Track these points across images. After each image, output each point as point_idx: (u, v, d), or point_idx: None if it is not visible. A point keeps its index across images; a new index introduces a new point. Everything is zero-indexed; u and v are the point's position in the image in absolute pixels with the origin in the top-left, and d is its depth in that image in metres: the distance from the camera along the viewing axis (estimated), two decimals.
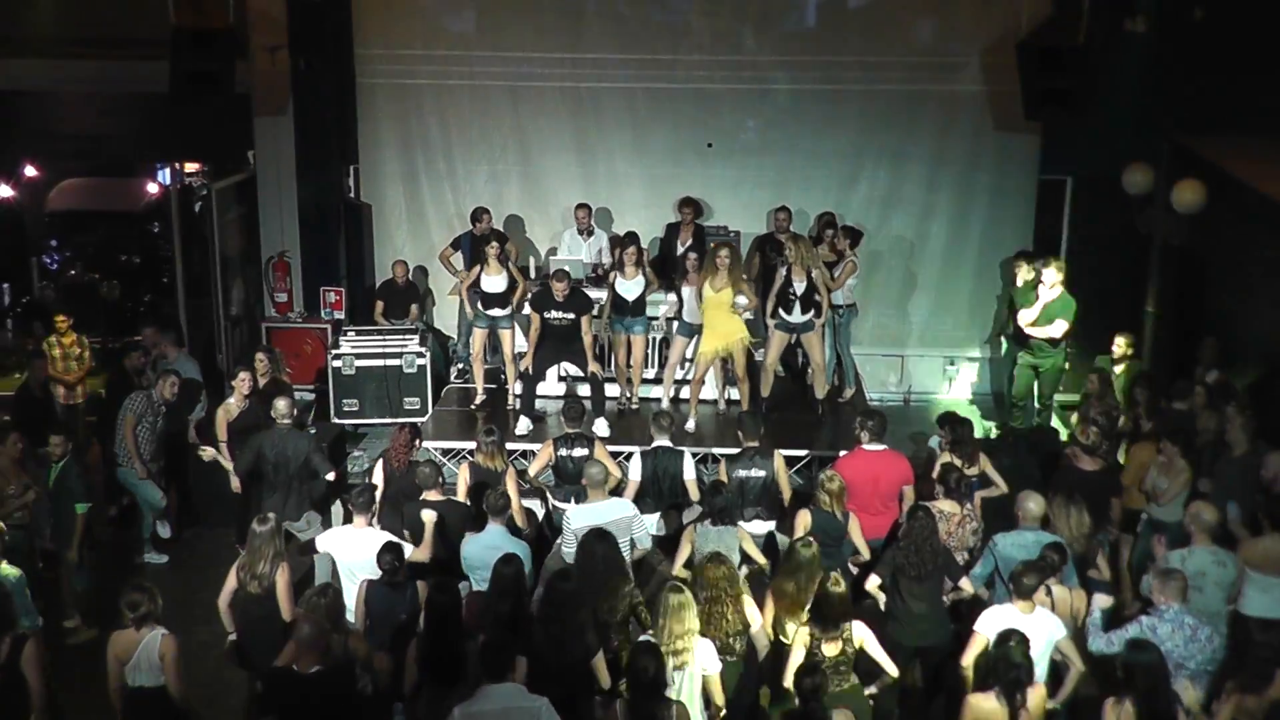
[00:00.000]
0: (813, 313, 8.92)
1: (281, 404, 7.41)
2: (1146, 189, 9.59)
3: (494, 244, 9.16)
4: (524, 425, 8.97)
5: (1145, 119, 9.49)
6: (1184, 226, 9.50)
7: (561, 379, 9.71)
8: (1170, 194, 9.18)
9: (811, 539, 6.14)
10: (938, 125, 10.53)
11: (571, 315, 8.68)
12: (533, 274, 10.01)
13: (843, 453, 7.40)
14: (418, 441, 7.34)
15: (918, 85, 10.35)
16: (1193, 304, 9.60)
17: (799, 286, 8.88)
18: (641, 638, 5.41)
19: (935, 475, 6.90)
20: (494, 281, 9.21)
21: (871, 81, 10.36)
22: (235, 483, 7.73)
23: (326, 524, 7.65)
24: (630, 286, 9.19)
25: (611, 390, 9.55)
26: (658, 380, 9.64)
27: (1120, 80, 9.44)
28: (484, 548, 6.29)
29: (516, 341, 9.39)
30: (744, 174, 10.79)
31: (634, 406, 9.49)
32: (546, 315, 8.70)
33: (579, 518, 6.59)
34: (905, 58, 10.29)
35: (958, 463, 7.07)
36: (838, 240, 9.66)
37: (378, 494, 6.89)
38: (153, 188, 12.76)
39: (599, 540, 6.00)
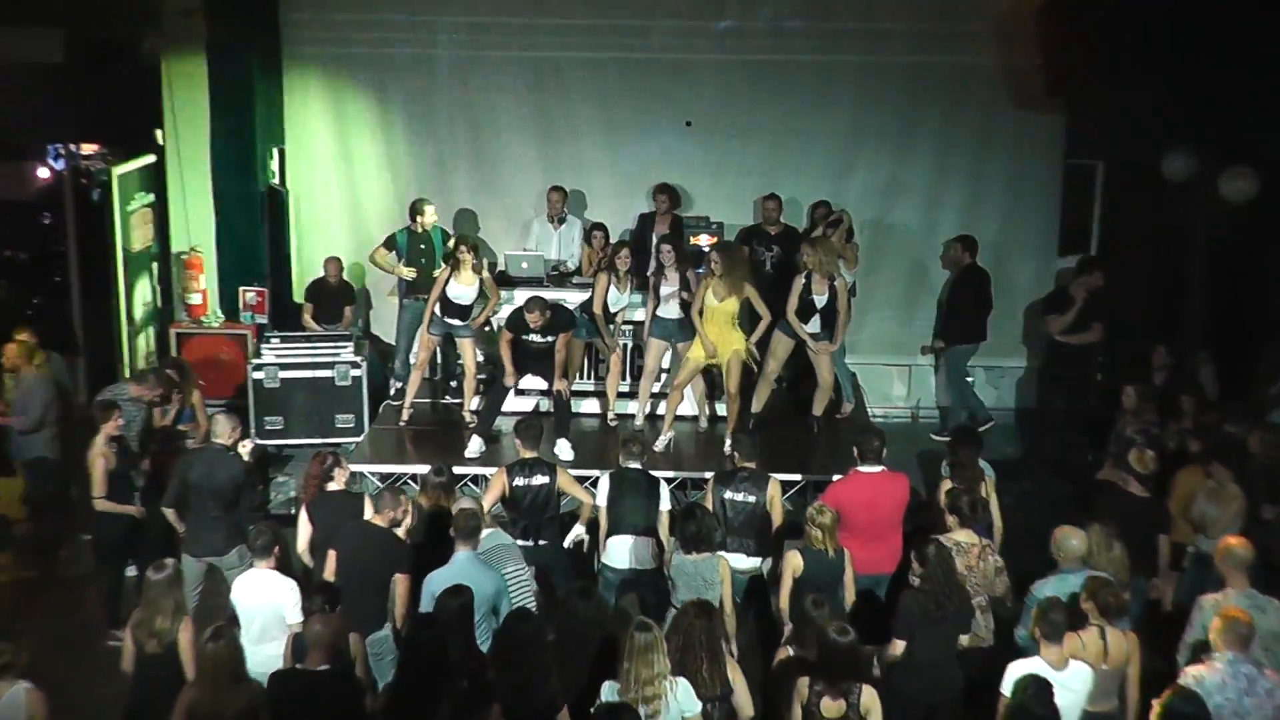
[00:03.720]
0: (824, 331, 9.04)
1: (222, 422, 7.35)
2: (1189, 176, 9.51)
3: (466, 248, 9.18)
4: (475, 447, 8.95)
5: (1187, 96, 9.23)
6: (1232, 219, 9.42)
7: (521, 393, 9.71)
8: (1216, 182, 9.13)
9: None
10: (947, 103, 10.48)
11: (549, 338, 8.81)
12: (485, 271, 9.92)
13: (837, 477, 7.35)
14: (338, 472, 7.16)
15: (924, 57, 10.31)
16: (1241, 306, 9.54)
17: (821, 298, 8.95)
18: (605, 688, 5.33)
19: (943, 503, 6.83)
20: (463, 293, 9.25)
21: (872, 52, 10.33)
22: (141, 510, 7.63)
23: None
24: (620, 299, 9.32)
25: (591, 406, 9.68)
26: (634, 395, 9.66)
27: (1158, 52, 9.10)
28: (449, 579, 6.13)
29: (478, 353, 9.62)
30: (727, 157, 10.74)
31: (613, 423, 9.55)
32: (523, 338, 8.83)
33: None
34: (910, 25, 10.24)
35: (960, 486, 7.03)
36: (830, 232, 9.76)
37: (304, 539, 6.83)
38: (43, 173, 12.36)
39: (580, 599, 5.86)
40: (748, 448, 7.35)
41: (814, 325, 9.05)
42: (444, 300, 9.25)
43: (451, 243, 9.66)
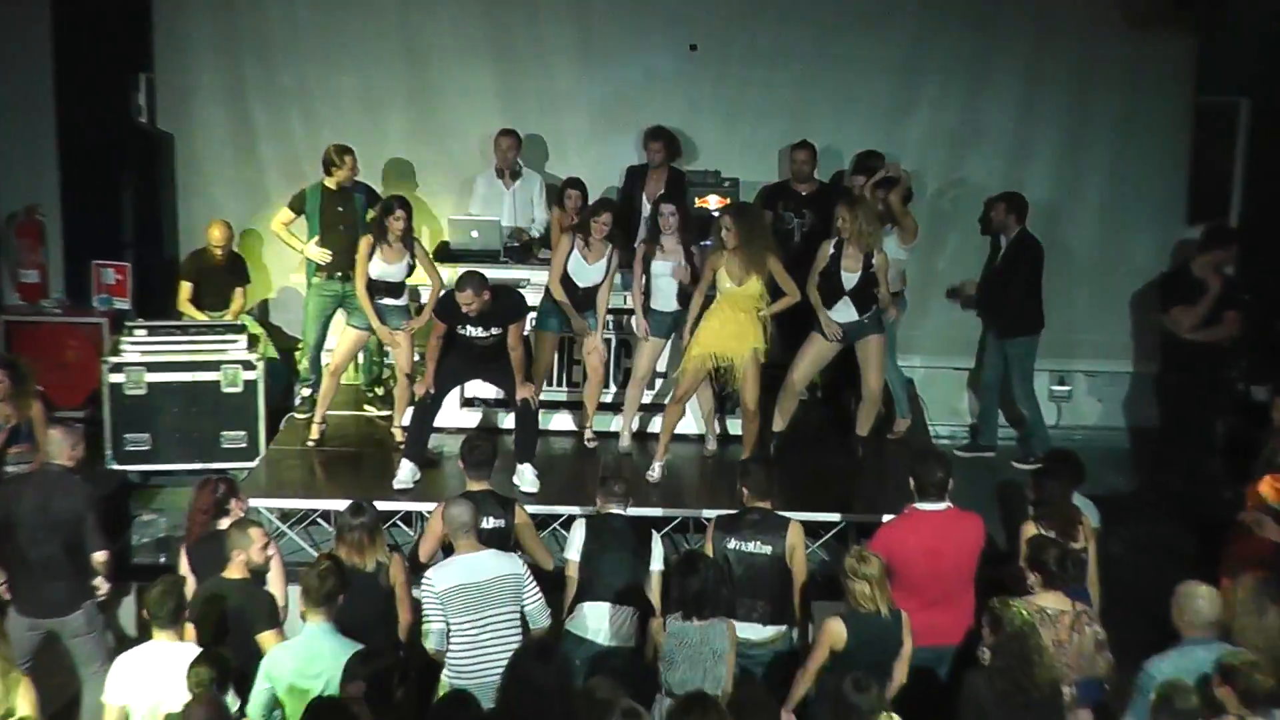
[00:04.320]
0: (870, 312, 9.12)
1: (58, 438, 7.43)
2: None
3: (399, 214, 9.19)
4: (406, 474, 8.97)
5: None
6: None
7: (470, 404, 9.81)
8: None
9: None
10: (1033, 23, 10.53)
11: (496, 331, 8.81)
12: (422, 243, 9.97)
13: (888, 517, 7.42)
14: (234, 504, 7.20)
15: None
16: None
17: (852, 277, 8.99)
18: None
19: (1024, 555, 6.84)
20: (391, 269, 9.31)
21: None
22: None
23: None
24: (587, 270, 9.31)
25: (563, 422, 9.76)
26: (618, 407, 9.72)
27: None
28: (296, 658, 6.25)
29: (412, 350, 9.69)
30: (744, 94, 10.74)
31: (591, 444, 9.65)
32: (459, 331, 8.85)
33: (442, 577, 6.77)
34: None
35: (1048, 533, 7.07)
36: (879, 195, 9.85)
37: (188, 588, 6.83)
38: None
39: (538, 662, 5.85)
40: (759, 481, 7.36)
41: (841, 312, 9.07)
42: (369, 283, 9.29)
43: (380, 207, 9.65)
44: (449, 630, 6.72)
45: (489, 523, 7.27)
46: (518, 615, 6.82)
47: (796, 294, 9.02)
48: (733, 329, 8.85)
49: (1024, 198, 10.13)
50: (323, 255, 9.84)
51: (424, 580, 6.82)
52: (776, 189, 10.42)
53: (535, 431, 9.12)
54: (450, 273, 9.37)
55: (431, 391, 8.95)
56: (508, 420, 9.44)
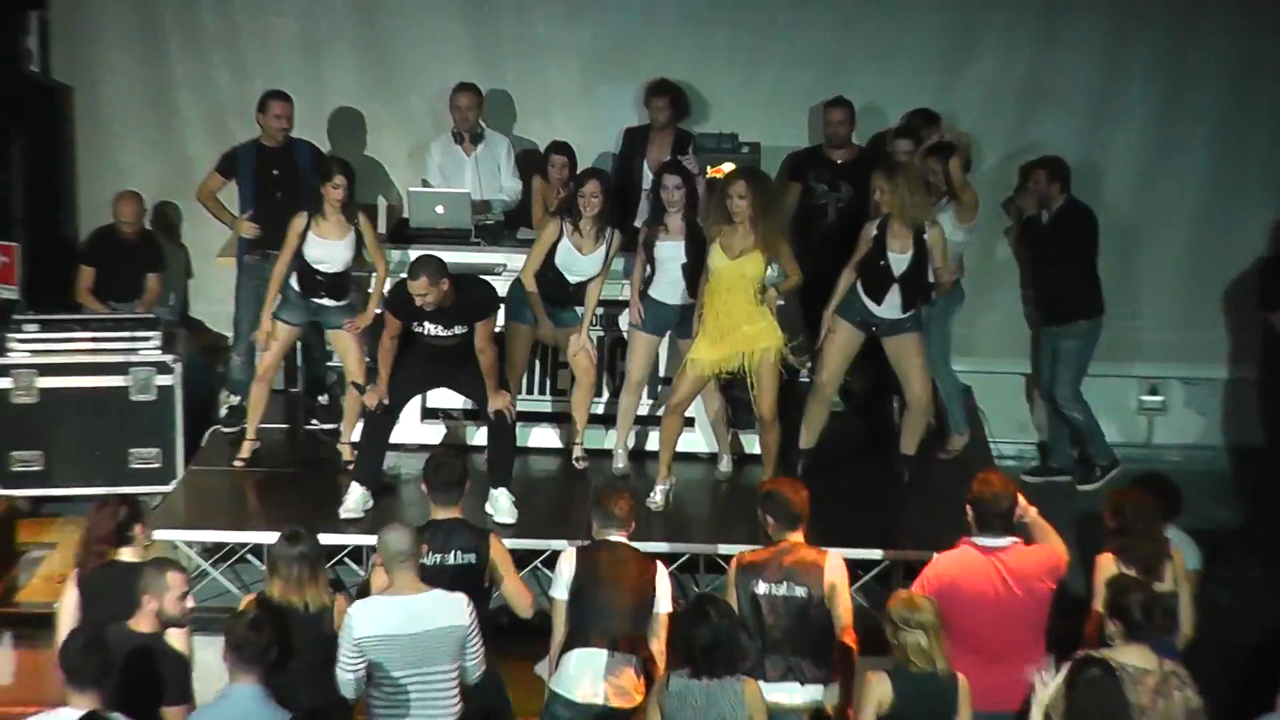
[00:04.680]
0: (916, 308, 9.27)
1: None
2: None
3: (338, 180, 9.24)
4: (355, 501, 9.05)
5: None
6: None
7: (433, 416, 9.89)
8: None
9: None
10: None
11: (460, 329, 8.86)
12: (381, 225, 10.29)
13: (941, 555, 7.34)
14: (137, 531, 7.07)
15: None
16: None
17: (901, 258, 9.11)
18: None
19: (1104, 600, 6.80)
20: (330, 249, 9.32)
21: None
22: None
23: None
24: (581, 261, 9.41)
25: (546, 437, 9.86)
26: (611, 419, 9.76)
27: None
28: None
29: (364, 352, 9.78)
30: (766, 40, 10.72)
31: (580, 464, 9.78)
32: (415, 328, 8.92)
33: (367, 621, 6.66)
34: None
35: (1132, 572, 7.04)
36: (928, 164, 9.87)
37: (64, 629, 6.72)
38: None
39: None
40: (786, 508, 7.26)
41: (890, 306, 9.13)
42: (302, 267, 9.31)
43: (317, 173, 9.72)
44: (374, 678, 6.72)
45: (458, 558, 7.19)
46: (455, 674, 6.74)
47: (800, 276, 9.09)
48: (734, 321, 8.87)
49: (1065, 161, 10.14)
50: (250, 229, 9.88)
51: (347, 615, 6.69)
52: (806, 156, 10.36)
53: (512, 450, 9.14)
54: (406, 254, 9.43)
55: (385, 401, 8.96)
56: (479, 436, 9.51)
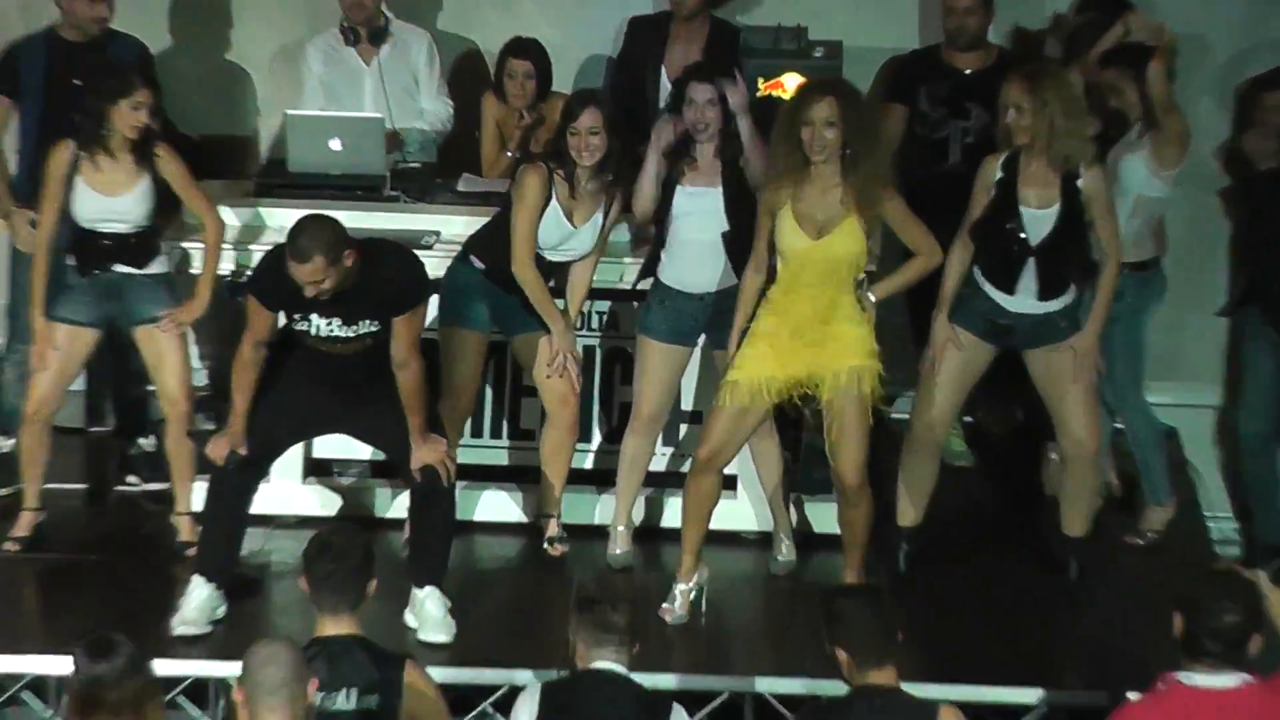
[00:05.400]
0: (1068, 298, 8.95)
1: None
2: None
3: (139, 97, 9.19)
4: (198, 606, 8.78)
5: None
6: None
7: (321, 472, 9.77)
8: None
9: None
10: None
11: (367, 327, 8.74)
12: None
13: (1133, 696, 7.08)
14: None
15: None
16: None
17: (1041, 218, 8.89)
18: None
19: None
20: (111, 205, 9.28)
21: None
22: None
23: None
24: (570, 233, 9.35)
25: (503, 507, 9.77)
26: (606, 477, 9.64)
27: None
28: None
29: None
30: None
31: (557, 548, 9.53)
32: (296, 326, 8.82)
33: None
34: None
35: None
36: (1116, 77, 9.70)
37: None
38: None
39: None
40: (869, 633, 7.07)
41: (1024, 294, 8.94)
42: (76, 232, 9.26)
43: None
44: None
45: (352, 700, 7.04)
46: None
47: (936, 253, 8.87)
48: (807, 331, 8.66)
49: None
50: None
51: None
52: (916, 63, 10.41)
53: (449, 526, 8.89)
54: (281, 215, 9.26)
55: (242, 452, 8.69)
56: (396, 505, 9.36)
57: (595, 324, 9.78)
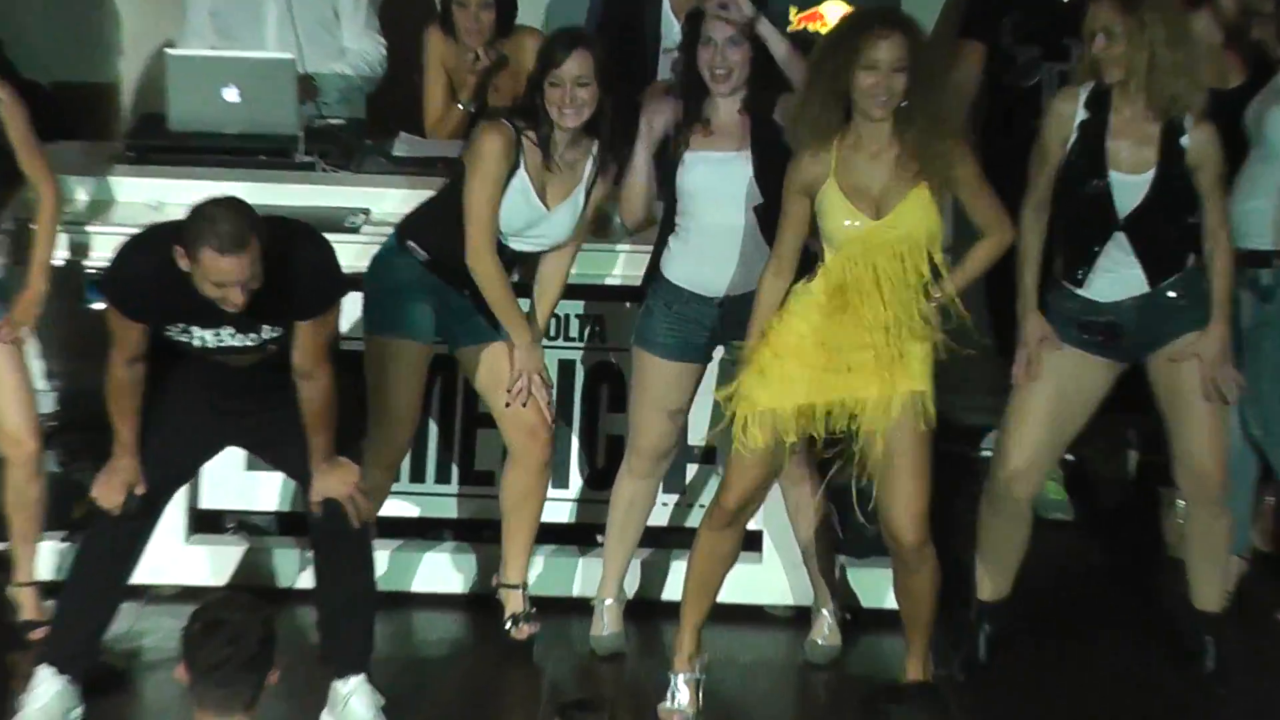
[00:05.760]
0: (1181, 274, 8.70)
1: None
2: None
3: None
4: (45, 705, 8.63)
5: None
6: None
7: (208, 528, 9.66)
8: None
9: None
10: None
11: (269, 333, 8.54)
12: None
13: None
14: None
15: None
16: None
17: (1134, 183, 8.67)
18: None
19: None
20: None
21: None
22: None
23: None
24: (543, 214, 9.18)
25: (448, 574, 9.72)
26: (589, 535, 9.61)
27: None
28: None
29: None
30: None
31: (521, 627, 9.36)
32: (177, 337, 8.51)
33: None
34: None
35: None
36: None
37: None
38: None
39: None
40: None
41: (1112, 280, 8.68)
42: None
43: None
44: None
45: None
46: None
47: (1008, 230, 8.60)
48: (857, 347, 8.39)
49: None
50: None
51: None
52: (982, 6, 10.16)
53: (369, 589, 8.60)
54: (153, 190, 9.20)
55: (140, 491, 8.48)
56: (308, 574, 9.02)
57: (575, 331, 9.56)
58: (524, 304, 9.09)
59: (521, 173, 8.83)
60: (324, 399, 8.31)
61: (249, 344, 8.22)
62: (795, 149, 8.39)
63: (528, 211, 8.85)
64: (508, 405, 8.99)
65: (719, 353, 8.96)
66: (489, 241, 8.89)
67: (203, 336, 8.18)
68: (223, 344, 8.22)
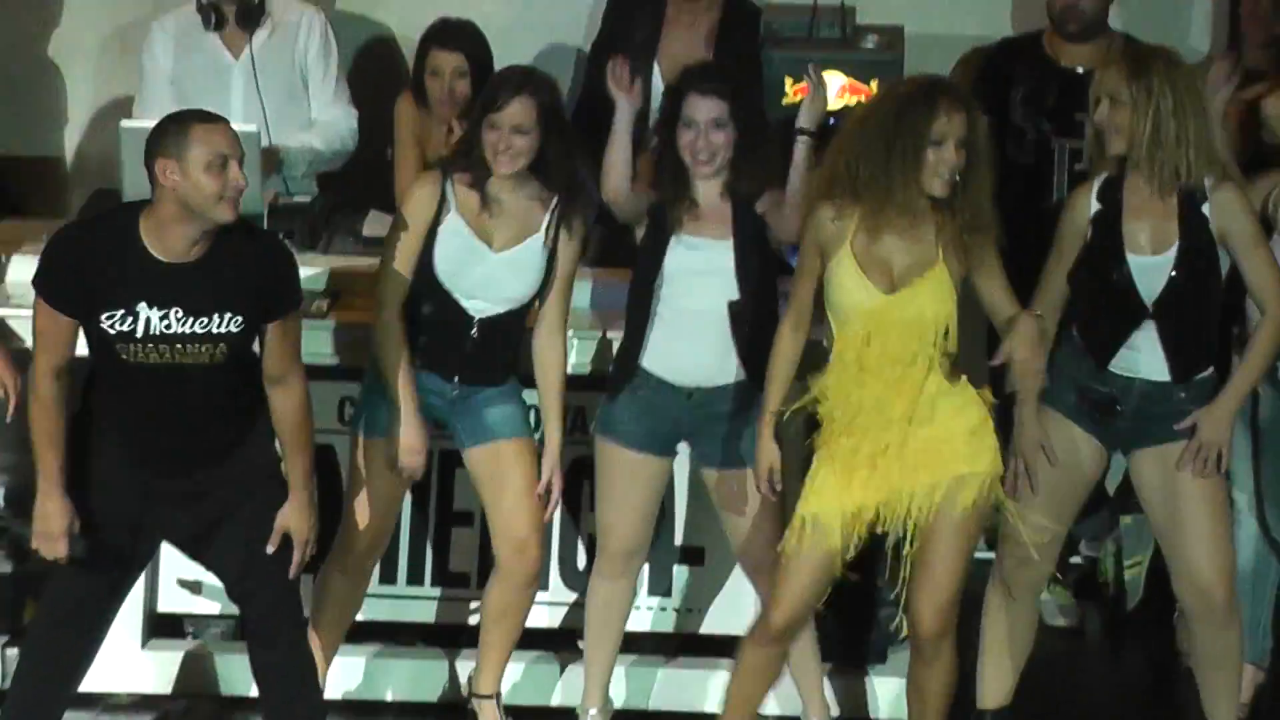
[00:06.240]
0: (1192, 384, 8.61)
1: None
2: None
3: None
4: None
5: None
6: None
7: (172, 628, 9.58)
8: None
9: None
10: None
11: (217, 324, 8.21)
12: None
13: None
14: None
15: None
16: None
17: (1153, 267, 8.54)
18: None
19: None
20: None
21: None
22: None
23: None
24: (489, 263, 8.98)
25: (421, 681, 9.63)
26: (570, 640, 9.44)
27: None
28: None
29: None
30: None
31: None
32: (110, 329, 8.18)
33: None
34: None
35: None
36: None
37: None
38: None
39: None
40: None
41: (1128, 355, 8.48)
42: None
43: None
44: None
45: None
46: None
47: (1013, 307, 8.54)
48: (892, 431, 8.26)
49: None
50: None
51: None
52: (1007, 57, 10.09)
53: (308, 674, 8.34)
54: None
55: (75, 528, 8.08)
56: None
57: (569, 421, 9.09)
58: (529, 395, 8.90)
59: (453, 215, 8.62)
60: (300, 409, 8.07)
61: (198, 331, 7.86)
62: (813, 217, 8.26)
63: (466, 253, 8.61)
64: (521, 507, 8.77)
65: (684, 448, 8.80)
66: (395, 299, 8.67)
67: (149, 318, 7.81)
68: (170, 330, 7.83)
